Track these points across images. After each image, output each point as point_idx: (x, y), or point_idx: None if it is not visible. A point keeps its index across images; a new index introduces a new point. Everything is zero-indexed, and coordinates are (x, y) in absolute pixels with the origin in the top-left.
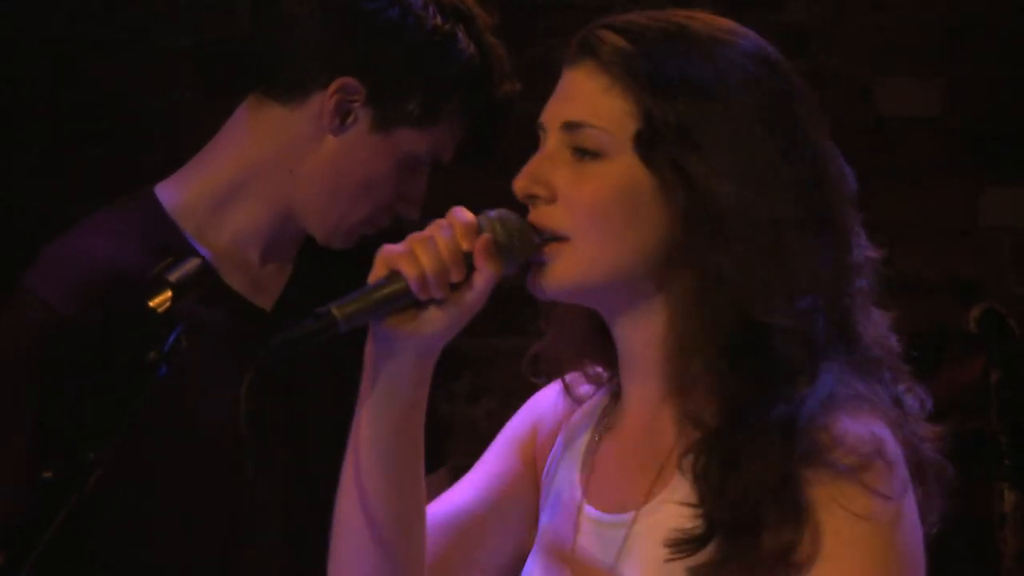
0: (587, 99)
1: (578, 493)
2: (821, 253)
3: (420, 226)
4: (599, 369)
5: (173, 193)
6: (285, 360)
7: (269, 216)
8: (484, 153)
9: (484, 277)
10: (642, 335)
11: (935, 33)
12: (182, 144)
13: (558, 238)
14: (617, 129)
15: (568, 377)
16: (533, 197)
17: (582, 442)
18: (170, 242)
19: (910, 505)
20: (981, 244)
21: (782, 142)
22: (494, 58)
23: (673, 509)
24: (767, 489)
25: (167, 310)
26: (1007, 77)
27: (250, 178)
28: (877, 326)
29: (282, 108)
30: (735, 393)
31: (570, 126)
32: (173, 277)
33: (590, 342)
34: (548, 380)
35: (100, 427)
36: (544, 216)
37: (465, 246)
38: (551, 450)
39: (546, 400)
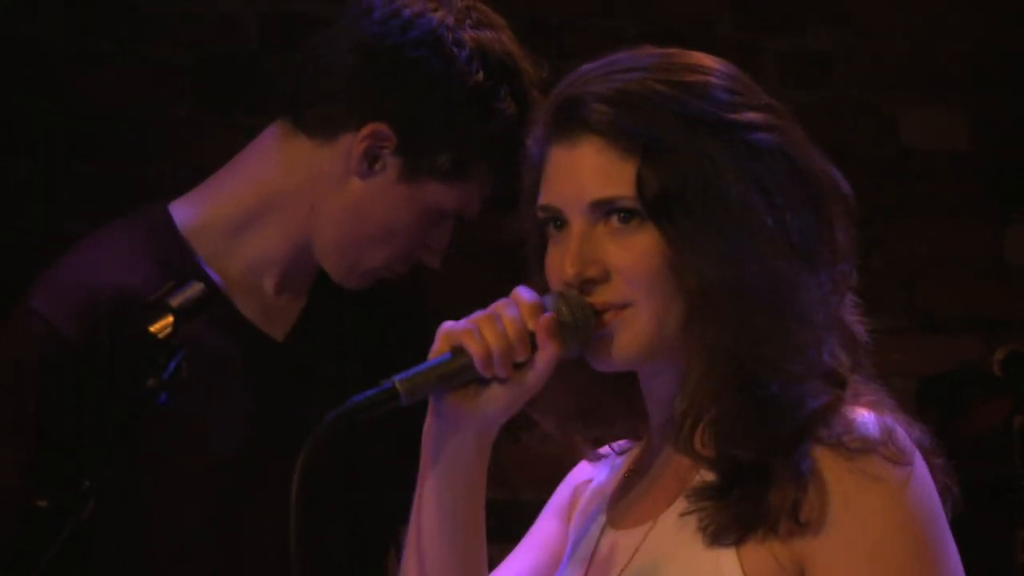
0: (608, 173)
1: (603, 520)
2: (818, 293)
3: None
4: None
5: (189, 213)
6: (342, 430)
7: (285, 248)
8: (509, 206)
9: (547, 357)
10: (667, 389)
11: (961, 63)
12: (177, 160)
13: (620, 307)
14: (639, 197)
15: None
16: (589, 281)
17: (608, 486)
18: (181, 265)
19: (921, 468)
20: (1007, 283)
21: (772, 194)
22: (535, 116)
23: (698, 482)
24: (778, 447)
25: (168, 336)
26: None
27: (270, 208)
28: (855, 322)
29: (310, 142)
30: (744, 429)
31: (599, 204)
32: (175, 302)
33: (623, 402)
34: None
35: (96, 454)
36: (603, 295)
37: (530, 325)
38: (578, 506)
39: (585, 465)
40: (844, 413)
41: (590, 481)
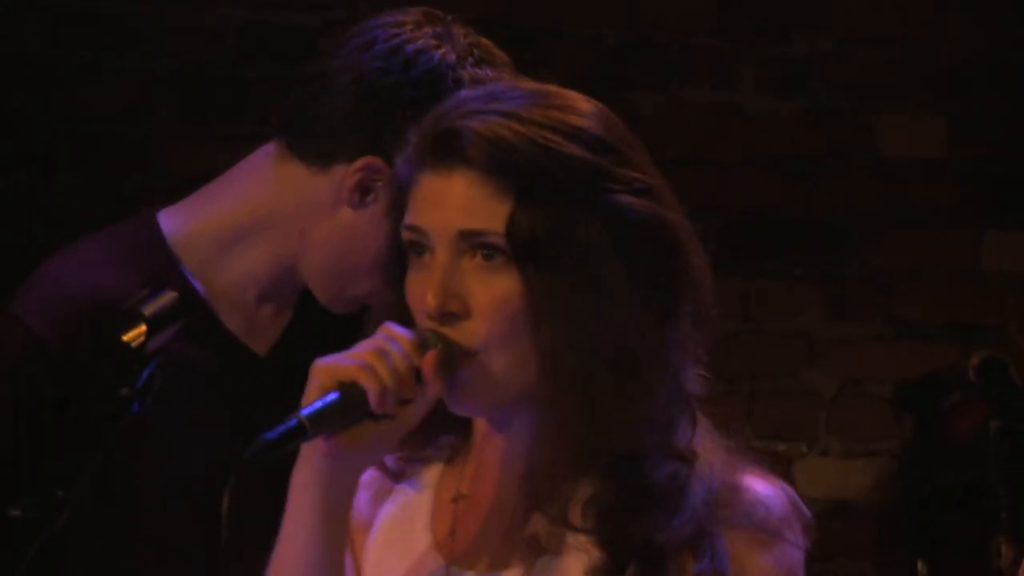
0: (479, 206)
1: (439, 558)
2: (667, 364)
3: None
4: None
5: (177, 223)
6: (259, 467)
7: (272, 267)
8: None
9: (431, 392)
10: (518, 440)
11: (939, 71)
12: (160, 170)
13: (472, 352)
14: (508, 236)
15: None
16: (450, 315)
17: (421, 516)
18: (165, 274)
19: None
20: (983, 289)
21: (635, 259)
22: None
23: (577, 553)
24: (678, 538)
25: (141, 344)
26: (1012, 118)
27: (261, 227)
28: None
29: (305, 168)
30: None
31: (467, 235)
32: (148, 311)
33: (430, 425)
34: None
35: (71, 464)
36: (460, 333)
37: (415, 361)
38: (368, 533)
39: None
40: (738, 487)
41: (371, 502)
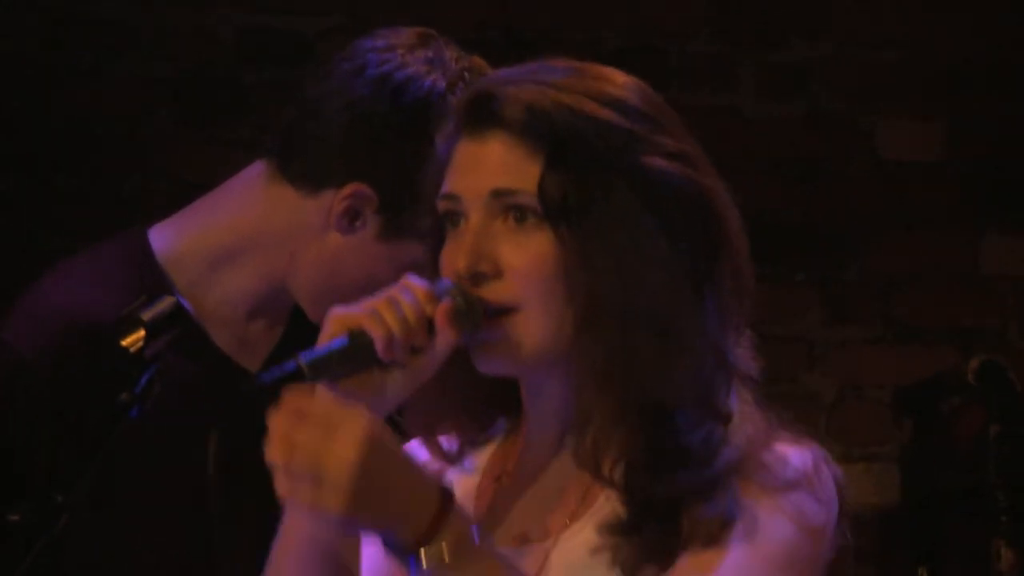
0: (512, 166)
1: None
2: (703, 325)
3: None
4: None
5: (168, 241)
6: (256, 413)
7: (262, 286)
8: None
9: (445, 342)
10: (554, 402)
11: (938, 74)
12: (159, 173)
13: (507, 310)
14: (540, 197)
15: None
16: (481, 276)
17: (467, 488)
18: (156, 294)
19: (832, 519)
20: (982, 293)
21: (671, 222)
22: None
23: (606, 509)
24: (698, 490)
25: (139, 350)
26: (1011, 120)
27: (251, 247)
28: (745, 350)
29: (294, 191)
30: (646, 450)
31: (500, 194)
32: (146, 316)
33: (486, 404)
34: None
35: (69, 470)
36: (493, 292)
37: (428, 311)
38: None
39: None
40: (766, 450)
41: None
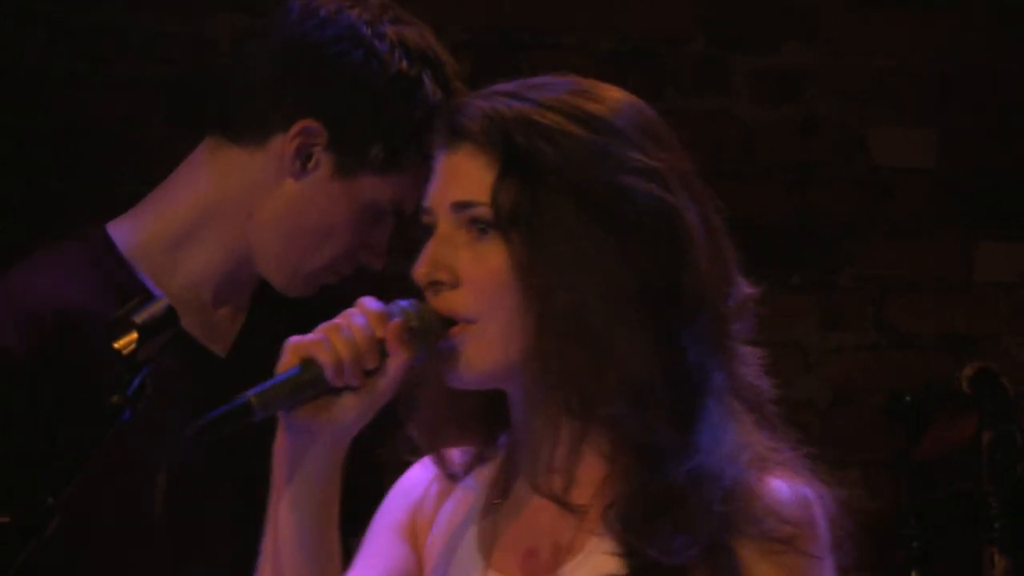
0: (471, 178)
1: (479, 561)
2: (656, 331)
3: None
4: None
5: (128, 233)
6: (212, 444)
7: (226, 259)
8: None
9: (397, 363)
10: (543, 412)
11: (930, 82)
12: (151, 177)
13: (466, 321)
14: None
15: (443, 454)
16: (437, 284)
17: (471, 516)
18: (126, 283)
19: (830, 564)
20: (976, 300)
21: (622, 229)
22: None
23: (601, 559)
24: (695, 538)
25: (132, 352)
26: (1004, 128)
27: (208, 220)
28: (749, 367)
29: (241, 151)
30: (635, 454)
31: (460, 206)
32: (139, 319)
33: (481, 418)
34: (418, 457)
35: (59, 471)
36: (450, 302)
37: (379, 333)
38: (430, 531)
39: (418, 481)
40: (762, 489)
41: (435, 500)
